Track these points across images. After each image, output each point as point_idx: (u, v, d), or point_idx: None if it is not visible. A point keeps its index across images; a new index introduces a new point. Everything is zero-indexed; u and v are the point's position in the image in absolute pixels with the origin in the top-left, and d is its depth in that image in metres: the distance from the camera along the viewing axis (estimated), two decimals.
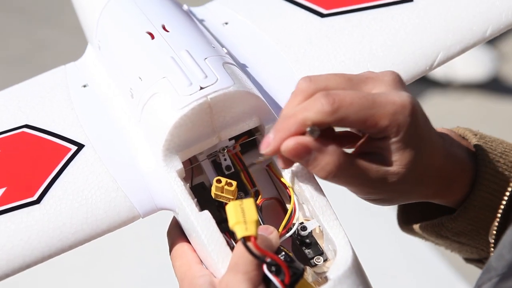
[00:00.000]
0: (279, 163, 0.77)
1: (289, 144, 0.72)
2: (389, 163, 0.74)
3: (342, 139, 0.77)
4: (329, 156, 0.72)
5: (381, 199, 0.81)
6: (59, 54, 5.46)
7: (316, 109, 0.71)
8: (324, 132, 0.72)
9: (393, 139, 0.73)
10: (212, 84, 0.78)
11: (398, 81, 0.76)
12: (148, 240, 1.69)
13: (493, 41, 5.38)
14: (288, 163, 0.76)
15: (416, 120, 0.74)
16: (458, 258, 1.00)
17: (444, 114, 5.20)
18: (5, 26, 6.33)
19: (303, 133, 0.71)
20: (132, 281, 1.86)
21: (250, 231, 0.70)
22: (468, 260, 0.97)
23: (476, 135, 0.87)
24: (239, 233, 0.70)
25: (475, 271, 0.82)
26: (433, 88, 5.50)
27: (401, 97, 0.73)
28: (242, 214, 0.71)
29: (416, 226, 0.92)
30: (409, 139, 0.74)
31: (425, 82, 5.37)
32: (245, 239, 0.69)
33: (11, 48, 6.07)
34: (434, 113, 5.38)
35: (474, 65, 5.03)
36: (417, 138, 0.75)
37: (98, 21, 0.96)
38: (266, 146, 0.74)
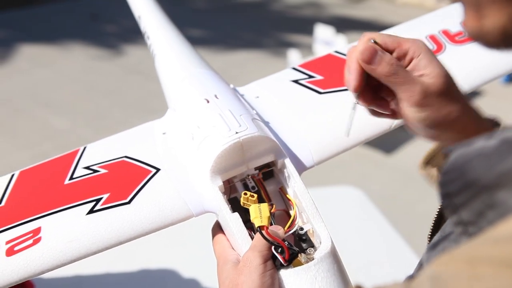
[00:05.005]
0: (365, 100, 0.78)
1: (361, 48, 0.73)
2: (426, 76, 0.73)
3: None
4: (389, 56, 0.73)
5: (428, 115, 0.74)
6: (162, 101, 5.50)
7: (365, 36, 0.75)
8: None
9: (419, 57, 0.73)
10: (243, 131, 0.82)
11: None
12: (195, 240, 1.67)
13: None
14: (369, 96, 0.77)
15: (429, 48, 0.75)
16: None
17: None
18: (128, 81, 6.44)
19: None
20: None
21: (264, 222, 0.77)
22: None
23: None
24: (257, 223, 0.77)
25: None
26: None
27: (415, 38, 0.75)
28: (260, 212, 0.78)
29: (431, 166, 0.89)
30: (430, 57, 0.74)
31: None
32: (260, 228, 0.76)
33: (130, 96, 6.13)
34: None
35: None
36: (435, 59, 0.74)
37: (176, 94, 1.03)
38: (351, 82, 0.75)
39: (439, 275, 0.38)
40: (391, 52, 0.75)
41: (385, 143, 5.04)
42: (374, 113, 0.82)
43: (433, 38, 1.07)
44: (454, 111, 0.75)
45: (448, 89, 0.74)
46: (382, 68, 0.73)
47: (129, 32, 7.75)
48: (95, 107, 5.81)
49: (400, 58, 0.74)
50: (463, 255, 0.38)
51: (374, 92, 0.79)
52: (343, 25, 7.87)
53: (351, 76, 0.75)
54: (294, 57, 6.13)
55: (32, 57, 7.02)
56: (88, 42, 7.44)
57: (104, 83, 6.38)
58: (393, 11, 9.04)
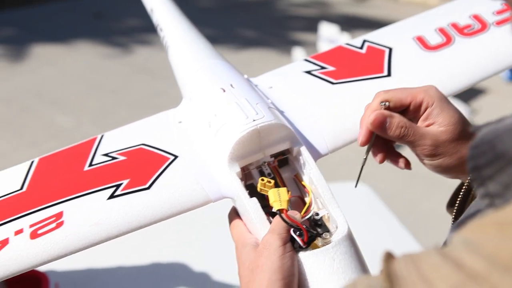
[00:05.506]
0: (377, 159, 0.85)
1: (371, 117, 0.80)
2: (438, 125, 0.79)
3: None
4: (398, 118, 0.80)
5: (442, 162, 0.81)
6: (167, 100, 5.54)
7: (377, 98, 0.82)
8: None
9: (432, 106, 0.79)
10: (260, 118, 0.84)
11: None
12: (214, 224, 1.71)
13: (467, 100, 5.32)
14: (382, 153, 0.84)
15: (443, 95, 0.80)
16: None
17: None
18: (134, 80, 6.44)
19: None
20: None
21: (283, 206, 0.78)
22: None
23: None
24: (276, 207, 0.79)
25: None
26: None
27: (427, 85, 0.81)
28: (279, 196, 0.79)
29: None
30: (442, 106, 0.79)
31: None
32: (280, 211, 0.77)
33: (135, 95, 6.15)
34: None
35: None
36: (448, 106, 0.80)
37: (191, 84, 1.04)
38: (359, 137, 0.83)
39: (471, 239, 0.40)
40: (407, 105, 0.81)
41: None
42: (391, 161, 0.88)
43: (442, 30, 1.09)
44: (463, 154, 0.80)
45: (460, 134, 0.79)
46: (392, 132, 0.80)
47: (133, 31, 7.78)
48: (100, 105, 5.84)
49: (416, 109, 0.81)
50: (492, 221, 0.40)
51: (388, 146, 0.86)
52: (347, 23, 7.88)
53: (361, 131, 0.83)
54: (299, 55, 6.15)
55: (37, 56, 7.04)
56: (93, 41, 7.47)
57: (109, 81, 6.41)
58: (397, 9, 9.06)
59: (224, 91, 0.92)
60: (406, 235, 2.00)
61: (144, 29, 7.79)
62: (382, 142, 0.85)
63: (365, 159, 0.86)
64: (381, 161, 0.86)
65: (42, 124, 5.43)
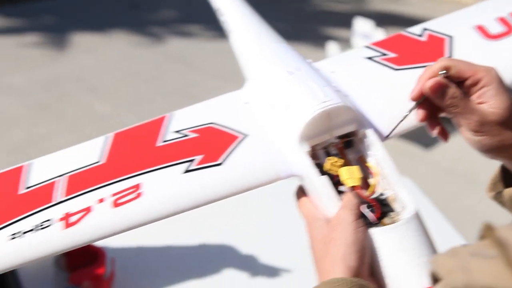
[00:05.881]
0: (418, 115, 0.87)
1: (428, 83, 0.81)
2: (488, 105, 0.80)
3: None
4: (453, 89, 0.81)
5: (483, 140, 0.82)
6: (202, 90, 5.54)
7: (440, 63, 0.83)
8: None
9: (489, 87, 0.80)
10: (329, 100, 0.86)
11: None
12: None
13: None
14: (425, 111, 0.86)
15: (502, 79, 0.81)
16: None
17: None
18: (169, 69, 6.48)
19: None
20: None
21: (356, 183, 0.80)
22: None
23: None
24: (349, 184, 0.81)
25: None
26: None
27: (490, 66, 0.83)
28: (351, 173, 0.81)
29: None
30: (499, 89, 0.80)
31: None
32: (353, 188, 0.78)
33: (170, 85, 6.18)
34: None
35: None
36: (504, 91, 0.81)
37: (256, 67, 1.07)
38: (412, 92, 0.85)
39: None
40: (465, 79, 0.82)
41: (423, 137, 4.98)
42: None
43: (502, 20, 1.09)
44: (509, 139, 0.81)
45: (508, 119, 0.80)
46: (444, 101, 0.81)
47: (169, 22, 7.84)
48: (137, 93, 5.90)
49: (473, 85, 0.82)
50: None
51: (434, 111, 0.87)
52: (382, 20, 7.81)
53: (415, 88, 0.85)
54: (333, 49, 6.11)
55: (76, 44, 7.15)
56: (129, 31, 7.55)
57: (145, 70, 6.47)
58: (432, 8, 8.95)
59: (291, 73, 0.94)
60: (450, 228, 2.00)
61: (179, 20, 7.84)
62: (430, 103, 0.86)
63: (407, 114, 0.89)
64: (422, 119, 0.88)
65: (81, 110, 5.52)
